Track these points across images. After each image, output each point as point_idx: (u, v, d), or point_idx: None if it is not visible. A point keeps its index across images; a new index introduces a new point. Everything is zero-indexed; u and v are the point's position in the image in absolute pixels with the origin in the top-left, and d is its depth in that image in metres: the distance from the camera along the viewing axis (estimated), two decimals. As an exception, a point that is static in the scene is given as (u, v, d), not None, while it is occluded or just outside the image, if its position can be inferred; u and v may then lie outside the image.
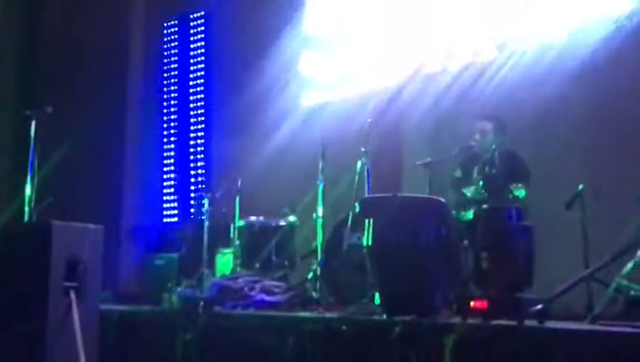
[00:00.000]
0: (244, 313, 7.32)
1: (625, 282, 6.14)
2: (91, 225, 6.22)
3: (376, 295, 6.56)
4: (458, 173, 7.71)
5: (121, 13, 12.04)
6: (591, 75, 7.54)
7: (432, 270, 6.21)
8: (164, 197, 11.83)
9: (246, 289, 7.81)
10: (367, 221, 6.36)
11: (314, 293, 7.95)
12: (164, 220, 11.71)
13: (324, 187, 8.32)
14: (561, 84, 7.73)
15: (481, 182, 7.35)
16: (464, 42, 8.76)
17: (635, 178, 6.40)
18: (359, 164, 7.70)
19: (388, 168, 9.07)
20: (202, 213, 9.07)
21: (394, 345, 5.74)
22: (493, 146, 7.45)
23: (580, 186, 6.98)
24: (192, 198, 11.37)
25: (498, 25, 8.44)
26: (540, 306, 5.71)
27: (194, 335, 6.90)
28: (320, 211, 8.29)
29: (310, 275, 8.15)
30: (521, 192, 6.96)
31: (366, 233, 6.35)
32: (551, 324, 5.69)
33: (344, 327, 6.16)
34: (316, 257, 8.22)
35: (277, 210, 8.85)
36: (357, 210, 6.86)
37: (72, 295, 5.89)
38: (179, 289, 7.83)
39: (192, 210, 11.28)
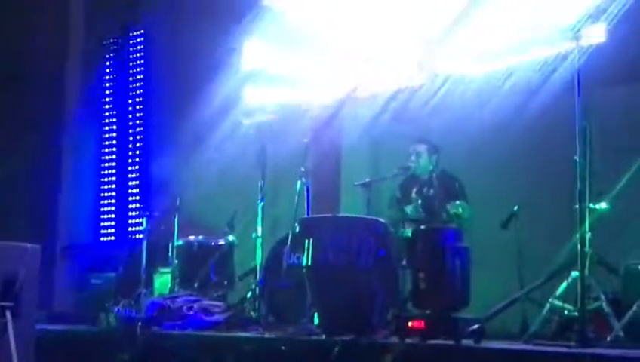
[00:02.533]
0: (182, 333, 7.28)
1: (559, 302, 6.27)
2: (28, 245, 6.15)
3: (315, 315, 6.58)
4: (398, 193, 7.80)
5: (60, 31, 11.92)
6: (525, 101, 7.70)
7: (371, 290, 6.27)
8: (102, 216, 11.71)
9: (184, 308, 7.79)
10: (306, 241, 6.40)
11: (252, 313, 7.96)
12: (101, 239, 11.59)
13: (263, 206, 8.35)
14: (497, 109, 7.88)
15: (419, 201, 7.47)
16: (404, 65, 8.84)
17: (568, 198, 6.54)
18: (298, 183, 7.75)
19: (326, 188, 9.13)
20: (140, 232, 8.98)
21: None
22: (430, 167, 7.59)
23: (515, 207, 7.13)
24: (129, 217, 11.27)
25: (439, 50, 8.53)
26: (476, 326, 5.79)
27: (132, 356, 6.85)
28: (259, 230, 8.31)
29: (249, 295, 8.16)
30: (457, 208, 7.06)
31: (305, 253, 6.39)
32: (486, 344, 5.78)
33: (283, 347, 6.18)
34: (255, 277, 8.23)
35: (216, 228, 8.85)
36: (296, 230, 6.89)
37: (8, 315, 5.80)
38: (116, 309, 7.76)
39: (129, 229, 11.18)
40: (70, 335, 7.59)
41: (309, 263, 6.37)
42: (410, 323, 5.83)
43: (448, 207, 7.07)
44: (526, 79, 7.78)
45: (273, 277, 7.71)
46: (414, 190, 7.64)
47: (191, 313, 7.74)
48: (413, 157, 7.69)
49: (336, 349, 5.77)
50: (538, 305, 6.67)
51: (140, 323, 7.14)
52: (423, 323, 5.78)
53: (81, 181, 11.82)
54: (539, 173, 7.65)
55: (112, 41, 11.99)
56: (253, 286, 8.13)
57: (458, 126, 8.15)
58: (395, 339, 5.91)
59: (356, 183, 7.76)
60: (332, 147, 9.49)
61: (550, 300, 6.31)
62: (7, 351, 5.73)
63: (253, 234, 8.33)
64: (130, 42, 11.75)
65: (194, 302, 7.87)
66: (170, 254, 8.81)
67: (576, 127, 6.05)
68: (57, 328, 7.92)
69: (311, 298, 6.61)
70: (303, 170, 7.73)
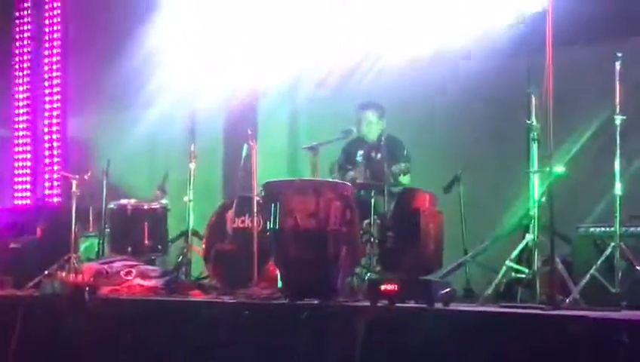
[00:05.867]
0: (135, 299, 7.08)
1: (514, 265, 6.41)
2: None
3: (279, 278, 6.51)
4: (341, 158, 7.80)
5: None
6: (470, 67, 7.82)
7: (337, 254, 6.23)
8: (15, 179, 11.16)
9: (122, 273, 7.60)
10: (272, 204, 6.31)
11: (184, 277, 7.83)
12: (15, 202, 11.07)
13: (194, 169, 8.19)
14: (441, 73, 7.96)
15: (363, 166, 7.50)
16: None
17: (514, 162, 6.72)
18: (245, 147, 7.60)
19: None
20: (62, 195, 8.65)
21: (302, 328, 5.72)
22: (379, 131, 7.62)
23: (459, 171, 7.26)
24: (48, 179, 10.81)
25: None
26: (447, 289, 5.85)
27: (81, 321, 6.62)
28: (191, 194, 8.14)
29: (180, 259, 8.03)
30: (403, 173, 7.13)
31: (271, 217, 6.30)
32: (453, 306, 5.84)
33: (247, 312, 6.08)
34: (186, 241, 8.10)
35: (144, 192, 8.64)
36: (262, 193, 6.77)
37: None
38: (61, 274, 7.46)
39: (48, 191, 10.72)
40: (7, 301, 7.26)
41: (277, 227, 6.27)
42: (382, 287, 5.80)
43: (394, 168, 7.11)
44: (472, 45, 7.86)
45: (218, 242, 7.61)
46: (360, 153, 7.66)
47: (129, 278, 7.56)
48: (364, 126, 7.68)
49: (306, 313, 5.73)
50: (487, 268, 6.83)
51: (87, 289, 6.89)
52: (396, 287, 5.77)
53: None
54: (484, 138, 7.79)
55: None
56: (185, 250, 8.01)
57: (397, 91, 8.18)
58: (366, 303, 5.89)
59: (304, 147, 7.70)
60: (249, 112, 9.31)
61: (507, 263, 6.41)
62: None
63: (185, 198, 8.17)
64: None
65: (132, 266, 7.69)
66: (91, 218, 8.53)
67: (532, 92, 6.16)
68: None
69: (275, 261, 6.53)
70: (250, 132, 7.56)
